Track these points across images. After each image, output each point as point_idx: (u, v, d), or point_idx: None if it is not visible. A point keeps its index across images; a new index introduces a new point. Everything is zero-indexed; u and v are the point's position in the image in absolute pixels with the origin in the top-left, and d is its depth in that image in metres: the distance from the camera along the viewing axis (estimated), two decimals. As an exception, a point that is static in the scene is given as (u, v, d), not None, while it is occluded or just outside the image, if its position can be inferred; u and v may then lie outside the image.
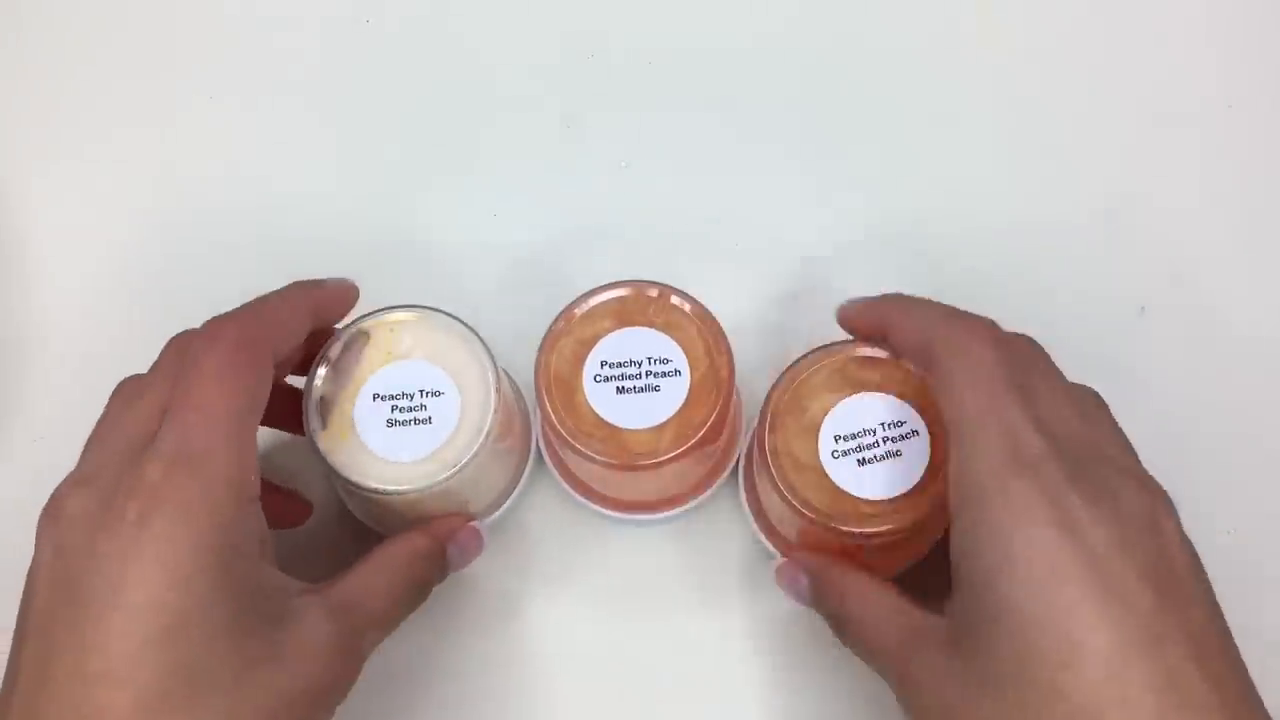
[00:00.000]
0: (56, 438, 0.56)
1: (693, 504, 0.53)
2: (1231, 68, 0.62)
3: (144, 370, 0.58)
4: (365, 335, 0.49)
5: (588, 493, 0.53)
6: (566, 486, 0.54)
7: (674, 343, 0.49)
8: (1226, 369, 0.57)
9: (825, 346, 0.48)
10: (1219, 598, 0.53)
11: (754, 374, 0.54)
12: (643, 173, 0.61)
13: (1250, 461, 0.55)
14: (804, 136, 0.62)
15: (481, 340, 0.49)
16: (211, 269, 0.59)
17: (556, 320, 0.50)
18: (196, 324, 0.58)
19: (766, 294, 0.58)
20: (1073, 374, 0.57)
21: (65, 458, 0.56)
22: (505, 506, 0.54)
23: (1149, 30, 0.63)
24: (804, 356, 0.48)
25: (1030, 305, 0.58)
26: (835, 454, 0.47)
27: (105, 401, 0.57)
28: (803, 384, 0.48)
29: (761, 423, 0.48)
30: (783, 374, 0.48)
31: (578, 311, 0.50)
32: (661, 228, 0.60)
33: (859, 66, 0.63)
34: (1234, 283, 0.58)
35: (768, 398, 0.48)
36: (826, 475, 0.47)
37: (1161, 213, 0.60)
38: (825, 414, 0.47)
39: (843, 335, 0.49)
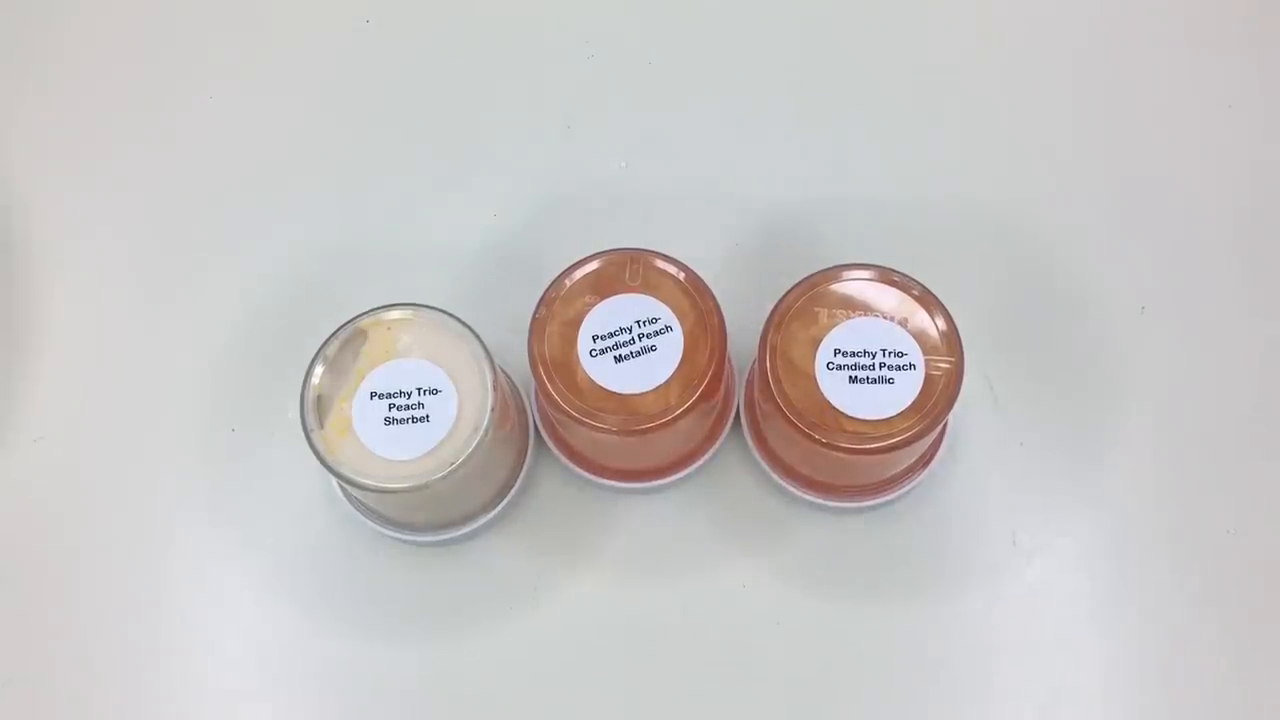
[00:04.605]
0: (56, 438, 0.57)
1: (700, 462, 0.54)
2: (1231, 68, 0.62)
3: (141, 369, 0.58)
4: (362, 334, 0.49)
5: (596, 468, 0.54)
6: (573, 466, 0.54)
7: (658, 301, 0.50)
8: (1226, 369, 0.57)
9: (845, 265, 0.50)
10: (1219, 597, 0.53)
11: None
12: (643, 172, 0.61)
13: (1250, 461, 0.55)
14: (807, 135, 0.62)
15: (478, 338, 0.49)
16: (212, 269, 0.60)
17: (538, 308, 0.50)
18: (194, 323, 0.58)
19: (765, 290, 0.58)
20: (1073, 374, 0.57)
21: (65, 458, 0.57)
22: (509, 497, 0.54)
23: (1149, 30, 0.63)
24: (829, 269, 0.50)
25: (1030, 305, 0.58)
26: (830, 366, 0.48)
27: (105, 401, 0.57)
28: (819, 294, 0.50)
29: (769, 323, 0.49)
30: (799, 281, 0.50)
31: (556, 294, 0.50)
32: (662, 227, 0.60)
33: (858, 64, 0.63)
34: (1234, 283, 0.58)
35: (781, 300, 0.50)
36: (817, 383, 0.48)
37: (1161, 213, 0.59)
38: (833, 327, 0.49)
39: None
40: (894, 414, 0.48)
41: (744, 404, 0.55)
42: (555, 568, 0.54)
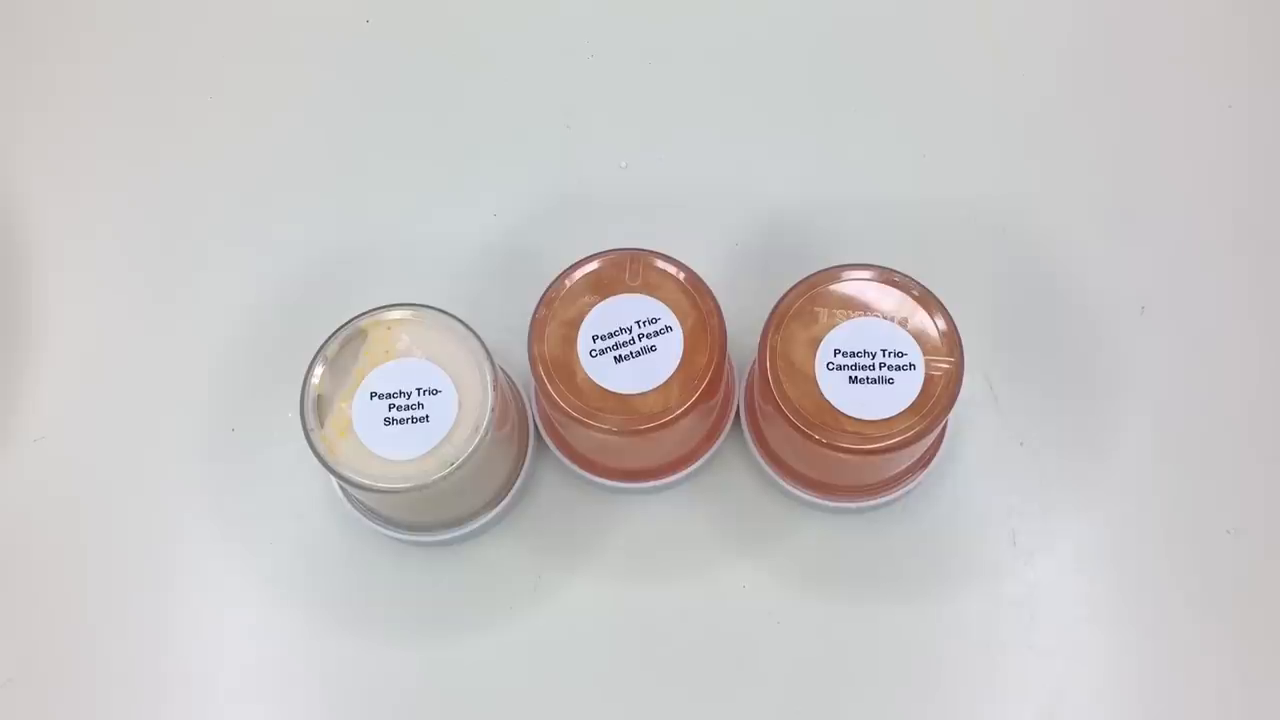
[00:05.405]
0: (57, 437, 0.57)
1: (700, 463, 0.54)
2: (1231, 68, 0.62)
3: (142, 369, 0.58)
4: (362, 334, 0.49)
5: (596, 468, 0.54)
6: (573, 466, 0.54)
7: (658, 301, 0.50)
8: (1226, 369, 0.57)
9: (845, 265, 0.50)
10: (1219, 597, 0.53)
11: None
12: (643, 172, 0.61)
13: (1250, 461, 0.55)
14: (808, 135, 0.62)
15: (479, 338, 0.49)
16: (212, 269, 0.60)
17: (538, 309, 0.50)
18: (195, 323, 0.58)
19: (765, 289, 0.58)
20: (1073, 374, 0.57)
21: (65, 458, 0.57)
22: (509, 497, 0.54)
23: (1149, 30, 0.63)
24: (829, 269, 0.50)
25: (1030, 305, 0.58)
26: (830, 366, 0.48)
27: (105, 401, 0.57)
28: (819, 294, 0.50)
29: (769, 323, 0.49)
30: (799, 281, 0.50)
31: (556, 294, 0.50)
32: (662, 227, 0.60)
33: (858, 64, 0.63)
34: (1234, 283, 0.58)
35: (781, 300, 0.50)
36: (817, 383, 0.48)
37: (1161, 213, 0.59)
38: (833, 327, 0.49)
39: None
40: (894, 414, 0.48)
41: (744, 404, 0.55)
42: (555, 568, 0.54)
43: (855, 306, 0.49)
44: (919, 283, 0.50)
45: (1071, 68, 0.63)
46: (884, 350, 0.49)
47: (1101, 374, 0.57)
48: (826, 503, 0.53)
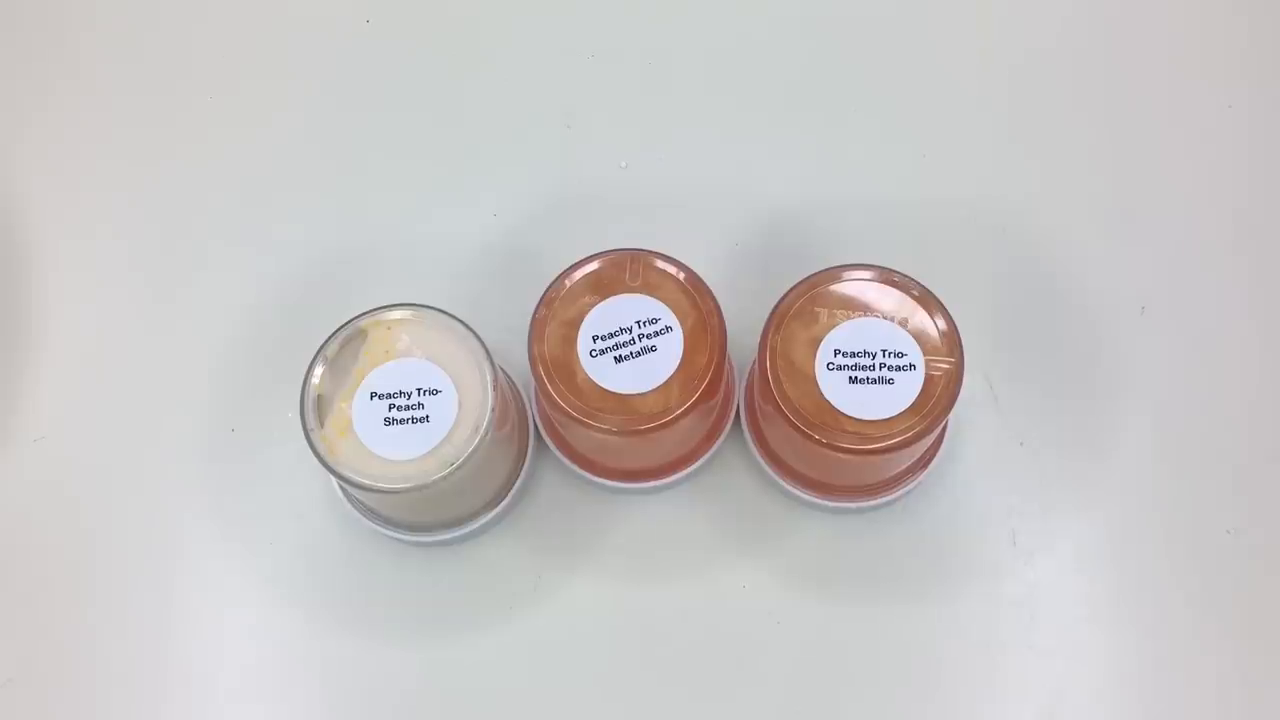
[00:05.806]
0: (57, 438, 0.57)
1: (700, 463, 0.54)
2: (1231, 68, 0.62)
3: (142, 369, 0.58)
4: (363, 334, 0.49)
5: (596, 468, 0.54)
6: (573, 466, 0.54)
7: (658, 302, 0.50)
8: (1226, 369, 0.57)
9: (845, 265, 0.50)
10: (1219, 597, 0.53)
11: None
12: (643, 172, 0.61)
13: (1250, 461, 0.55)
14: (808, 136, 0.62)
15: (479, 339, 0.49)
16: (212, 268, 0.60)
17: (538, 309, 0.50)
18: (195, 323, 0.58)
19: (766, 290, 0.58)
20: (1073, 374, 0.57)
21: (65, 458, 0.57)
22: (509, 497, 0.54)
23: (1149, 30, 0.63)
24: (829, 269, 0.50)
25: (1030, 305, 0.58)
26: (831, 366, 0.48)
27: (105, 401, 0.57)
28: (819, 294, 0.50)
29: (769, 323, 0.49)
30: (799, 281, 0.50)
31: (556, 294, 0.50)
32: (662, 227, 0.60)
33: (859, 64, 0.63)
34: (1234, 283, 0.58)
35: (781, 300, 0.50)
36: (817, 383, 0.48)
37: (1161, 213, 0.59)
38: (833, 327, 0.49)
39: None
40: (894, 414, 0.48)
41: (744, 404, 0.55)
42: (555, 568, 0.54)
43: (855, 307, 0.49)
44: (919, 283, 0.50)
45: (1071, 68, 0.63)
46: (884, 350, 0.49)
47: (1101, 374, 0.57)
48: (826, 503, 0.53)
